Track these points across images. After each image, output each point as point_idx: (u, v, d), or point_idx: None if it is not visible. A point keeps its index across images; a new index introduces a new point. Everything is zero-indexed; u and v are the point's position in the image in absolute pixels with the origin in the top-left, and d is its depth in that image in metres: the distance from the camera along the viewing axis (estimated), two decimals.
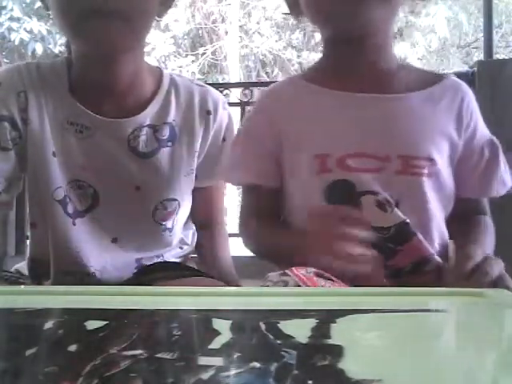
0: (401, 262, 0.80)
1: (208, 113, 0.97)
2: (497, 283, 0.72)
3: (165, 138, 0.94)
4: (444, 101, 0.85)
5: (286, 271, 0.68)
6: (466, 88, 0.88)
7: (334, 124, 0.83)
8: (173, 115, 0.95)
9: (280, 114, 0.87)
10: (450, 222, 0.87)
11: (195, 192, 1.01)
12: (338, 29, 0.85)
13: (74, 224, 0.91)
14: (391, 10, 0.83)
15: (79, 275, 0.92)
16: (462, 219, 0.87)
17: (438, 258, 0.81)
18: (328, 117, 0.84)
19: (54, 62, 0.95)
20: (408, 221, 0.80)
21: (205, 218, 1.06)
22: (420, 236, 0.80)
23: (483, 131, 0.88)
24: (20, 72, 0.91)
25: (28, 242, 1.11)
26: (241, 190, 0.97)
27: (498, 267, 0.73)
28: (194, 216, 1.05)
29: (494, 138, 0.88)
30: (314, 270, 0.69)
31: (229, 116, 1.01)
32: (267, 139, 0.87)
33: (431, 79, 0.87)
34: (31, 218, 0.96)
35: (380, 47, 0.85)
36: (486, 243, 0.84)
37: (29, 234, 1.02)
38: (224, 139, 1.00)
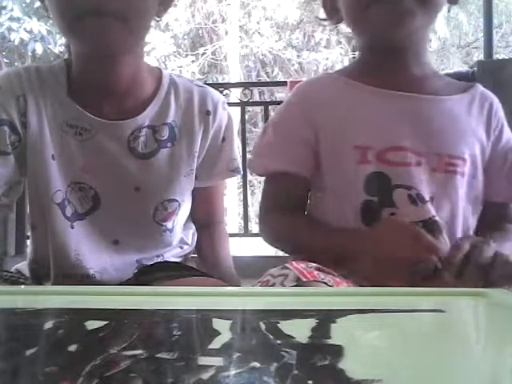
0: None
1: (207, 113, 0.97)
2: (494, 263, 0.73)
3: (164, 138, 0.94)
4: (475, 106, 0.89)
5: (286, 265, 0.69)
6: (493, 96, 0.93)
7: (375, 118, 0.86)
8: (172, 116, 0.95)
9: (316, 105, 0.89)
10: (476, 227, 0.89)
11: (195, 192, 1.01)
12: (380, 40, 0.88)
13: (72, 227, 0.91)
14: (430, 21, 0.87)
15: (79, 277, 0.92)
16: (487, 224, 0.89)
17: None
18: (369, 111, 0.87)
19: (52, 65, 0.95)
20: (436, 218, 0.82)
21: (205, 218, 1.06)
22: (445, 235, 0.82)
23: (509, 138, 0.91)
24: (19, 76, 0.91)
25: (28, 242, 1.12)
26: (242, 189, 0.97)
27: (490, 249, 0.75)
28: (194, 216, 1.05)
29: None
30: (314, 264, 0.70)
31: (228, 116, 1.01)
32: (301, 128, 0.88)
33: (462, 87, 0.92)
34: (32, 220, 0.96)
35: (418, 53, 0.89)
36: (498, 240, 0.83)
37: (29, 234, 1.02)
38: (223, 139, 1.00)
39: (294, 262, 0.69)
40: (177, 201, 0.96)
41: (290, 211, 0.90)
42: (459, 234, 0.85)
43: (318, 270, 0.69)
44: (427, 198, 0.82)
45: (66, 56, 1.00)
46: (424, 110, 0.86)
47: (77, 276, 0.92)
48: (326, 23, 0.96)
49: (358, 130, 0.85)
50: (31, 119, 0.89)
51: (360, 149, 0.84)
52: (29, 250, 1.05)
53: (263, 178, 0.97)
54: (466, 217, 0.86)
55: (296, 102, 0.93)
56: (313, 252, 0.80)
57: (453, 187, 0.84)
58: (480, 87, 0.93)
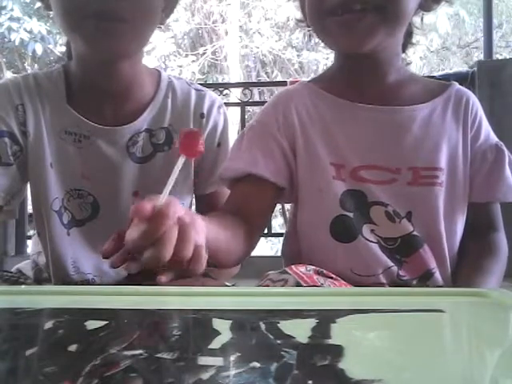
0: (408, 274, 0.81)
1: (201, 115, 0.97)
2: None
3: (161, 142, 0.94)
4: (450, 108, 0.87)
5: (286, 269, 0.68)
6: (470, 94, 0.90)
7: (347, 134, 0.84)
8: (169, 120, 0.95)
9: (295, 116, 0.86)
10: (462, 236, 0.87)
11: (198, 199, 1.01)
12: (345, 53, 0.86)
13: (69, 234, 0.92)
14: (397, 31, 0.83)
15: (79, 283, 0.92)
16: (473, 236, 0.87)
17: (439, 276, 0.82)
18: (342, 127, 0.84)
19: (51, 72, 0.95)
20: (415, 233, 0.81)
21: None
22: (426, 248, 0.81)
23: (488, 136, 0.88)
24: (17, 85, 0.92)
25: (29, 242, 1.12)
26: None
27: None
28: None
29: (500, 144, 0.88)
30: (313, 267, 0.70)
31: (224, 120, 1.00)
32: (280, 138, 0.85)
33: (438, 89, 0.89)
34: (36, 227, 0.96)
35: (389, 60, 0.86)
36: (487, 277, 0.82)
37: (29, 234, 1.03)
38: (219, 144, 0.99)
39: (293, 266, 0.69)
40: None
41: (237, 216, 0.80)
42: (446, 247, 0.83)
43: (317, 273, 0.69)
44: (403, 213, 0.81)
45: (65, 59, 1.00)
46: (396, 122, 0.84)
47: (76, 282, 0.92)
48: (303, 24, 0.92)
49: (331, 146, 0.83)
50: (30, 128, 0.90)
51: (334, 166, 0.82)
52: (30, 251, 1.05)
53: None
54: (449, 226, 0.84)
55: (275, 108, 0.89)
56: None
57: (431, 199, 0.82)
58: (456, 86, 0.90)
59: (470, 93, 0.90)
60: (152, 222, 0.54)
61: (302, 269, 0.68)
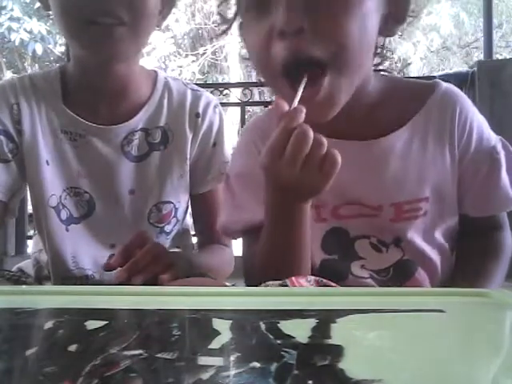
0: None
1: (197, 115, 0.97)
2: None
3: (156, 141, 0.95)
4: (432, 124, 0.79)
5: (286, 280, 0.67)
6: (457, 98, 0.80)
7: None
8: (165, 119, 0.95)
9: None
10: (461, 239, 0.84)
11: (193, 198, 1.02)
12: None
13: (67, 230, 0.92)
14: (360, 76, 0.74)
15: (78, 279, 0.93)
16: (476, 236, 0.83)
17: None
18: None
19: (48, 72, 0.96)
20: (406, 257, 0.78)
21: (208, 230, 1.04)
22: (420, 271, 0.79)
23: (481, 143, 0.80)
24: (13, 85, 0.93)
25: (29, 242, 1.12)
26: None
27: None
28: (195, 222, 1.05)
29: (497, 147, 0.81)
30: (313, 278, 0.69)
31: (220, 120, 1.00)
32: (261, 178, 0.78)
33: (418, 101, 0.80)
34: (36, 224, 0.97)
35: (356, 95, 0.75)
36: (491, 277, 0.80)
37: (29, 234, 1.04)
38: (214, 144, 1.00)
39: (293, 278, 0.67)
40: (171, 203, 0.97)
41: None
42: (439, 269, 0.80)
43: (318, 283, 0.68)
44: (390, 241, 0.78)
45: (65, 59, 1.00)
46: (373, 156, 0.78)
47: (76, 278, 0.92)
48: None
49: None
50: (25, 126, 0.91)
51: (314, 207, 0.77)
52: (32, 249, 1.06)
53: None
54: (444, 248, 0.81)
55: (248, 148, 0.84)
56: (274, 245, 0.73)
57: (416, 230, 0.78)
58: (440, 91, 0.80)
59: (456, 96, 0.81)
60: (288, 116, 0.63)
61: (302, 280, 0.67)
